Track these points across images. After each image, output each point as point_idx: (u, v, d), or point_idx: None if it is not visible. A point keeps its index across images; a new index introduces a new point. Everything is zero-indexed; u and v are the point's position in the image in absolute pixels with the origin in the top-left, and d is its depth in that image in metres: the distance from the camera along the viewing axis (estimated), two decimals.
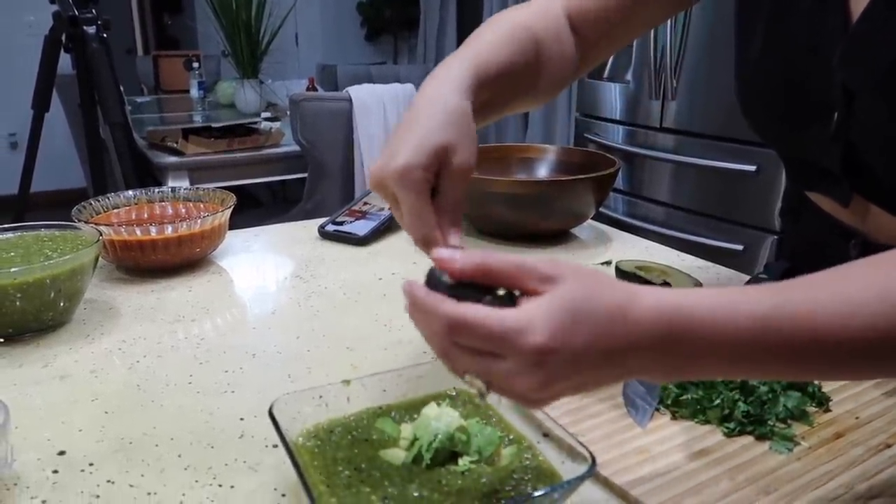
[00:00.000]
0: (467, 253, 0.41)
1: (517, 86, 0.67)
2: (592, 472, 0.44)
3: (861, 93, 0.59)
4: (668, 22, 2.17)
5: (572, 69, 0.73)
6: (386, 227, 1.07)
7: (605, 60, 0.78)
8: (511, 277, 0.39)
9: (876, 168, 0.62)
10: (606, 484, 0.49)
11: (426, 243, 0.53)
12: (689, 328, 0.39)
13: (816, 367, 0.42)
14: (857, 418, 0.57)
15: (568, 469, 0.46)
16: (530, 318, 0.37)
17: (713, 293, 0.40)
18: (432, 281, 0.42)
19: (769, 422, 0.55)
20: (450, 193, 0.55)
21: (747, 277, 0.81)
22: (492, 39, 0.65)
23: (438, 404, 0.53)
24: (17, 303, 0.70)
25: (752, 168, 2.03)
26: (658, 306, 0.39)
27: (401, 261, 0.97)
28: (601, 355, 0.38)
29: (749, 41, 0.70)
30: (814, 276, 0.42)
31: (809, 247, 0.81)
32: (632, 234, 1.11)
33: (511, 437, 0.51)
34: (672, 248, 1.03)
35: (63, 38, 2.11)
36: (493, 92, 0.62)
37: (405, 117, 0.57)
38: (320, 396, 0.53)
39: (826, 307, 0.40)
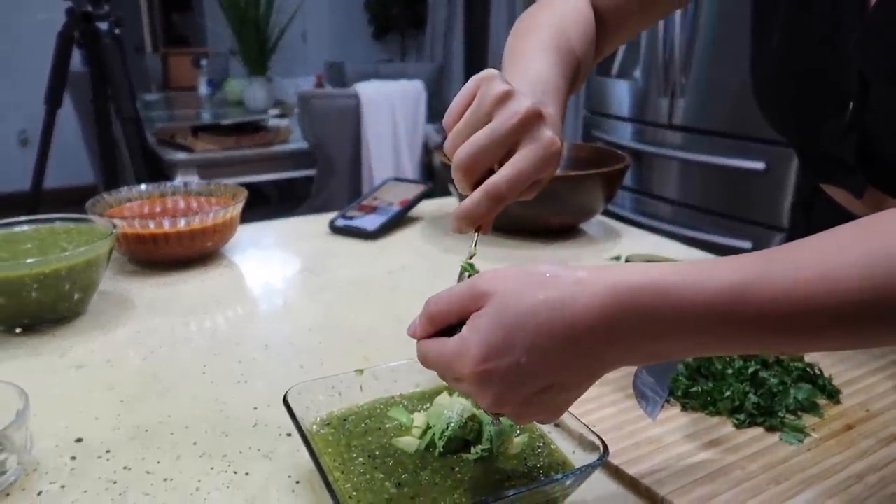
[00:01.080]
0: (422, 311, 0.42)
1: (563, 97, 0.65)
2: (604, 461, 0.44)
3: (876, 81, 0.59)
4: (677, 18, 2.17)
5: (594, 64, 0.74)
6: (396, 222, 1.07)
7: (619, 45, 0.79)
8: (451, 313, 0.40)
9: (890, 158, 0.62)
10: (617, 473, 0.50)
11: (488, 205, 0.48)
12: (654, 298, 0.36)
13: (797, 334, 0.38)
14: (867, 410, 0.57)
15: (579, 458, 0.47)
16: (464, 341, 0.38)
17: (681, 267, 0.38)
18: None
19: (779, 413, 0.55)
20: (528, 161, 0.49)
21: None
22: (576, 29, 0.64)
23: (450, 394, 0.53)
24: (34, 294, 0.70)
25: (761, 165, 2.02)
26: (614, 284, 0.37)
27: (411, 255, 0.98)
28: (551, 354, 0.37)
29: (766, 36, 0.71)
30: (798, 242, 0.40)
31: None
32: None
33: (522, 426, 0.51)
34: (680, 245, 1.03)
35: (76, 34, 2.12)
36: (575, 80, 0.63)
37: (521, 77, 0.55)
38: (333, 386, 0.54)
39: (814, 271, 0.37)
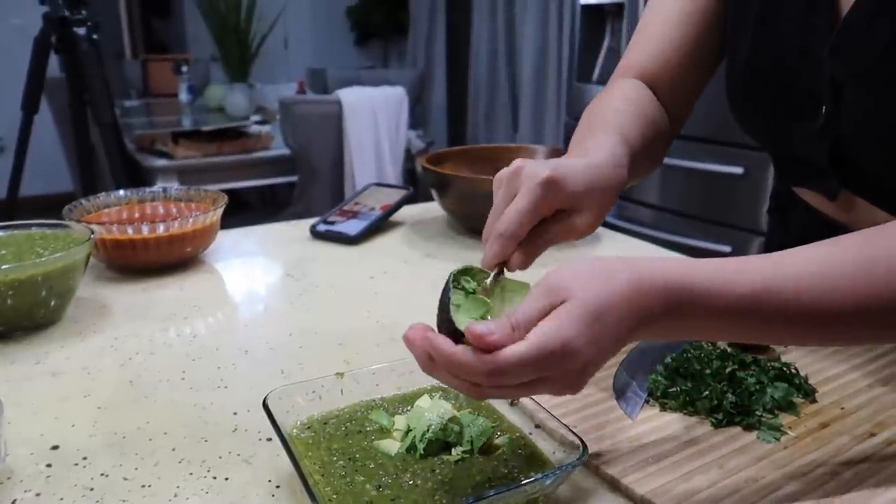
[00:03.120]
0: (499, 326, 0.40)
1: (645, 157, 0.69)
2: (584, 460, 0.45)
3: (850, 84, 0.60)
4: None
5: (667, 130, 0.77)
6: (377, 227, 1.07)
7: (689, 113, 0.82)
8: (534, 311, 0.41)
9: (863, 161, 0.63)
10: (597, 472, 0.50)
11: (500, 244, 0.53)
12: (692, 302, 0.43)
13: (810, 333, 0.46)
14: (842, 409, 0.58)
15: (559, 458, 0.47)
16: (563, 338, 0.39)
17: (713, 267, 0.44)
18: (444, 324, 0.44)
19: (756, 412, 0.56)
20: (549, 233, 0.56)
21: None
22: (631, 119, 0.68)
23: (431, 396, 0.53)
24: (9, 301, 0.69)
25: (740, 170, 2.05)
26: (665, 282, 0.42)
27: (392, 260, 0.98)
28: (623, 336, 0.42)
29: (739, 41, 0.72)
30: (808, 249, 0.46)
31: (797, 243, 0.83)
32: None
33: (503, 427, 0.51)
34: (661, 249, 1.04)
35: (53, 39, 2.10)
36: (636, 159, 0.65)
37: (575, 141, 0.62)
38: (313, 390, 0.53)
39: (814, 281, 0.44)
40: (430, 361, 0.42)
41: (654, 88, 0.78)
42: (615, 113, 0.68)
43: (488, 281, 0.51)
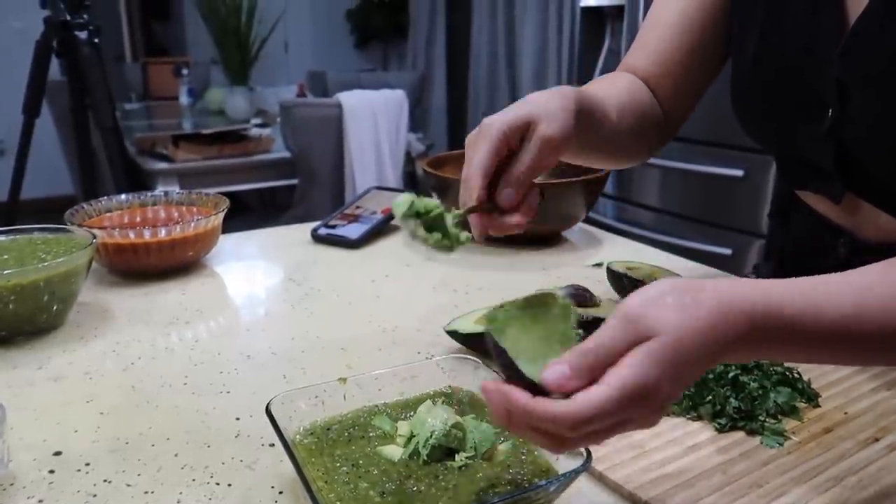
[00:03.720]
0: (575, 369, 0.38)
1: (615, 127, 0.70)
2: (587, 467, 0.45)
3: (858, 87, 0.61)
4: None
5: (660, 128, 0.79)
6: (378, 231, 1.07)
7: (687, 116, 0.83)
8: (615, 350, 0.38)
9: (868, 164, 0.63)
10: (601, 479, 0.50)
11: (467, 184, 0.56)
12: (778, 328, 0.41)
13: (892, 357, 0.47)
14: (845, 413, 0.58)
15: (563, 465, 0.47)
16: (647, 383, 0.37)
17: (800, 291, 0.42)
18: (510, 372, 0.41)
19: (760, 417, 0.56)
20: (522, 158, 0.57)
21: (736, 279, 0.82)
22: (601, 84, 0.73)
23: (434, 402, 0.53)
24: (11, 305, 0.69)
25: (740, 173, 2.05)
26: (752, 308, 0.40)
27: (393, 263, 0.98)
28: (704, 366, 0.40)
29: (745, 42, 0.72)
30: (889, 274, 0.44)
31: (798, 247, 0.83)
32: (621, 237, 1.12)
33: (507, 433, 0.51)
34: (661, 251, 1.04)
35: (54, 43, 2.10)
36: (592, 123, 0.65)
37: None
38: (316, 396, 0.53)
39: None
40: (508, 416, 0.39)
41: (654, 90, 0.78)
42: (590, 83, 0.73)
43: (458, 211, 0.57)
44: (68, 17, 2.04)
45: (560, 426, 0.37)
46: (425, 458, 0.48)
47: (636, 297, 0.40)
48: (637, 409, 0.38)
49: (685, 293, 0.39)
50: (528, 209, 0.59)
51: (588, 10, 2.60)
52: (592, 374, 0.38)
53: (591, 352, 0.38)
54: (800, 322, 0.41)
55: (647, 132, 0.77)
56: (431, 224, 0.59)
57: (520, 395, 0.38)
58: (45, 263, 0.72)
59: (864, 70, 0.60)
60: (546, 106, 0.58)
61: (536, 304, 0.45)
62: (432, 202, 0.60)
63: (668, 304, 0.39)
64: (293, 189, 2.96)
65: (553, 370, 0.38)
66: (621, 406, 0.37)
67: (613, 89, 0.72)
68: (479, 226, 0.58)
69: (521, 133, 0.57)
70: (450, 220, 0.59)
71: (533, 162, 0.57)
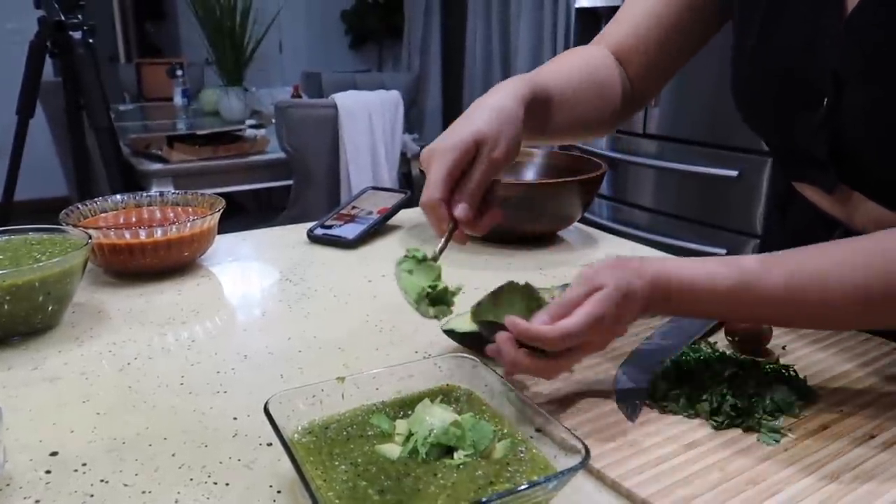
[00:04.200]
0: (555, 311, 0.54)
1: (572, 108, 0.76)
2: (585, 465, 0.45)
3: (853, 80, 0.61)
4: None
5: (626, 101, 0.82)
6: (375, 231, 1.07)
7: (656, 93, 0.88)
8: (580, 296, 0.54)
9: (862, 155, 0.64)
10: (599, 476, 0.50)
11: (429, 207, 0.63)
12: (681, 290, 0.55)
13: (782, 320, 0.61)
14: (841, 410, 0.58)
15: (561, 462, 0.47)
16: (602, 312, 0.53)
17: (697, 266, 0.56)
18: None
19: (756, 414, 0.56)
20: (473, 176, 0.64)
21: None
22: (552, 67, 0.76)
23: (432, 401, 0.53)
24: (6, 306, 0.69)
25: (734, 173, 2.06)
26: (668, 279, 0.55)
27: (390, 263, 0.97)
28: (637, 313, 0.55)
29: (746, 33, 0.72)
30: (794, 254, 0.57)
31: (794, 242, 0.83)
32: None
33: (505, 431, 0.51)
34: (656, 251, 1.04)
35: (48, 43, 2.09)
36: (548, 109, 0.72)
37: (462, 115, 0.67)
38: (314, 395, 0.53)
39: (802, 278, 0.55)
40: (513, 349, 0.54)
41: (625, 63, 0.81)
42: (542, 66, 0.76)
43: (437, 249, 0.64)
44: (62, 18, 2.04)
45: (546, 342, 0.52)
46: (424, 456, 0.48)
47: (591, 267, 0.55)
48: (596, 333, 0.53)
49: (623, 261, 0.55)
50: (492, 215, 0.66)
51: (583, 11, 2.61)
52: (565, 314, 0.53)
53: (562, 303, 0.54)
54: (700, 287, 0.55)
55: (607, 107, 0.80)
56: (435, 298, 0.63)
57: (519, 322, 0.53)
58: (41, 264, 0.71)
59: (858, 63, 0.61)
60: (491, 125, 0.64)
61: (507, 293, 0.60)
62: (432, 268, 0.65)
63: (612, 266, 0.55)
64: (288, 190, 2.96)
65: (538, 316, 0.54)
66: (585, 330, 0.52)
67: (565, 70, 0.76)
68: (459, 239, 0.66)
69: (470, 156, 0.63)
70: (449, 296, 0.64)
71: (482, 178, 0.64)
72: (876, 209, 0.66)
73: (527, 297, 0.60)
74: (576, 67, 0.78)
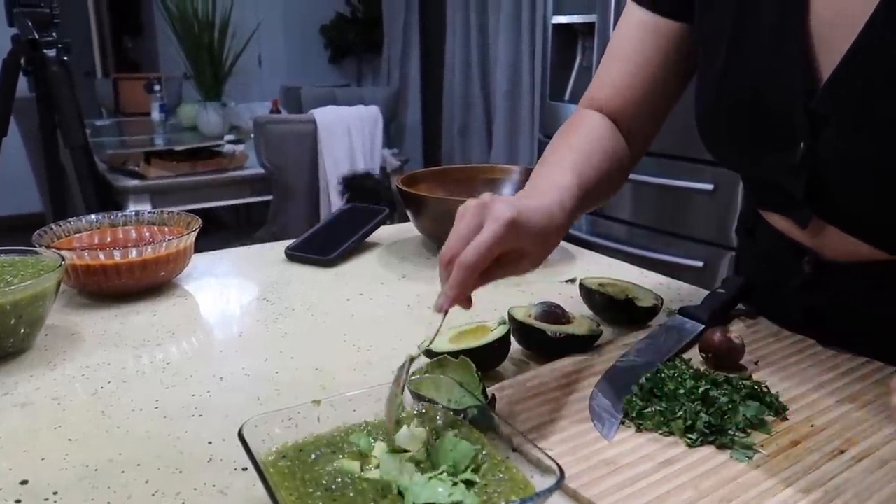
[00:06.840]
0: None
1: (599, 193, 0.75)
2: (560, 486, 0.45)
3: (843, 125, 0.61)
4: None
5: (631, 155, 0.82)
6: (353, 249, 1.07)
7: (656, 134, 0.86)
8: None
9: (837, 193, 0.64)
10: (575, 497, 0.50)
11: (463, 272, 0.55)
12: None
13: None
14: (812, 426, 0.59)
15: (537, 482, 0.47)
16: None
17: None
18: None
19: (730, 431, 0.57)
20: (494, 271, 0.59)
21: (707, 292, 0.84)
22: (578, 158, 0.72)
23: (408, 426, 0.53)
24: None
25: (710, 186, 2.09)
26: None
27: (368, 282, 0.98)
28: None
29: (711, 62, 0.73)
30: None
31: (764, 263, 0.84)
32: (595, 252, 1.13)
33: (484, 452, 0.51)
34: (634, 265, 1.05)
35: (22, 61, 2.07)
36: (581, 208, 0.69)
37: (527, 187, 0.67)
38: (290, 418, 0.53)
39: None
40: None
41: (617, 121, 0.80)
42: (572, 150, 0.72)
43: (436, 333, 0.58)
44: (36, 36, 2.02)
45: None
46: None
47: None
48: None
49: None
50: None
51: (559, 27, 2.64)
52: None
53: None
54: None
55: (622, 172, 0.80)
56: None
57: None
58: (13, 287, 0.70)
59: (851, 109, 0.61)
60: (537, 236, 0.59)
61: (451, 370, 0.60)
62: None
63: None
64: (268, 205, 2.95)
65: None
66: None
67: (593, 161, 0.73)
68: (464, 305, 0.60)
69: (509, 246, 0.58)
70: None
71: (498, 275, 0.60)
72: (849, 241, 0.67)
73: (465, 370, 0.59)
74: (595, 153, 0.74)
